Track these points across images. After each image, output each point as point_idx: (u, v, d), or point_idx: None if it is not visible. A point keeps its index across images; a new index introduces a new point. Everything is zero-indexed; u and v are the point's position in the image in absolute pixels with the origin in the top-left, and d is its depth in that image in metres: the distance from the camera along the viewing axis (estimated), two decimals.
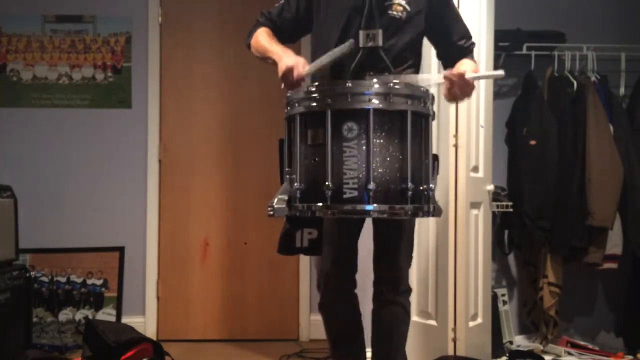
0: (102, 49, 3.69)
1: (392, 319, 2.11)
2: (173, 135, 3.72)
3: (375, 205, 1.60)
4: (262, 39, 2.05)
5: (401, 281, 2.10)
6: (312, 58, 2.07)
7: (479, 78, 1.94)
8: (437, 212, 1.74)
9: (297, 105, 1.71)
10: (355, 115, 1.63)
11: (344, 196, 1.61)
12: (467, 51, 2.08)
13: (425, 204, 1.70)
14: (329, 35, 2.00)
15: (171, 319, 3.69)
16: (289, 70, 1.82)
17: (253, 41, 2.09)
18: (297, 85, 1.82)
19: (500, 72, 1.83)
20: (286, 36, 2.13)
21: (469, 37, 2.12)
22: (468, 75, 1.81)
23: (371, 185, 1.59)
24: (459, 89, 1.83)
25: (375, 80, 1.68)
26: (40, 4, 3.68)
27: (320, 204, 1.62)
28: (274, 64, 1.93)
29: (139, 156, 3.68)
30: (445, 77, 1.80)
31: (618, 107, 3.42)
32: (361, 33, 1.88)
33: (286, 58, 1.87)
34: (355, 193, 1.60)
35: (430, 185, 1.72)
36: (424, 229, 2.94)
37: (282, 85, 1.87)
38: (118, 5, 3.70)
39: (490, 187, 3.07)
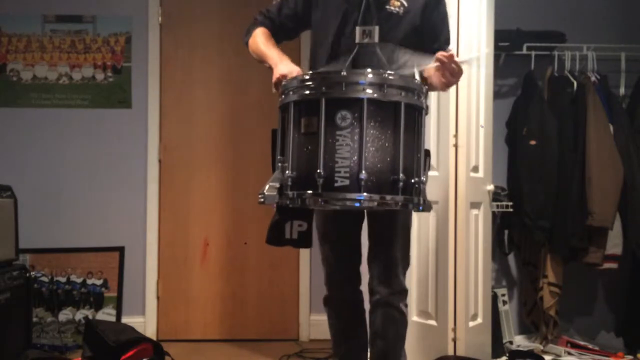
0: (102, 49, 3.69)
1: (387, 321, 2.09)
2: (173, 135, 3.72)
3: (366, 194, 1.60)
4: (260, 41, 2.06)
5: (396, 282, 2.08)
6: (311, 54, 2.09)
7: (465, 62, 1.93)
8: (427, 206, 1.73)
9: (291, 93, 1.72)
10: (349, 104, 1.63)
11: (335, 184, 1.60)
12: None
13: (416, 196, 1.69)
14: (326, 30, 2.01)
15: (171, 319, 3.69)
16: (283, 77, 1.83)
17: (251, 41, 2.10)
18: None
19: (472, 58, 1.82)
20: (285, 34, 2.15)
21: (449, 42, 2.12)
22: (457, 58, 1.79)
23: (363, 175, 1.59)
24: (450, 72, 1.80)
25: (370, 70, 1.68)
26: (40, 4, 3.68)
27: (311, 192, 1.62)
28: (271, 68, 1.94)
29: (139, 156, 3.68)
30: (438, 59, 1.77)
31: (618, 107, 3.42)
32: (357, 29, 1.89)
33: (281, 65, 1.89)
34: (347, 182, 1.60)
35: (422, 178, 1.72)
36: (424, 228, 2.94)
37: (274, 90, 1.87)
38: (118, 5, 3.70)
39: (490, 187, 3.07)
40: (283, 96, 1.76)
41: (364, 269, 2.14)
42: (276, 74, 1.87)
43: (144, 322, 3.63)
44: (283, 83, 1.77)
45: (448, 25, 2.13)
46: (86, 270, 3.59)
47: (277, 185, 1.67)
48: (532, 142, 3.35)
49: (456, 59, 1.79)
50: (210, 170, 3.74)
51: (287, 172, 1.67)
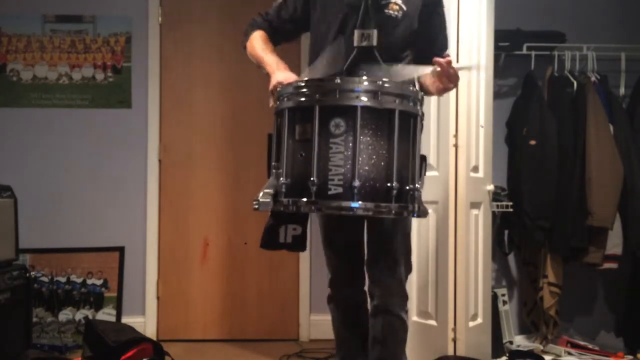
0: (102, 49, 3.69)
1: (386, 329, 2.07)
2: (173, 135, 3.72)
3: (360, 202, 1.59)
4: (257, 45, 2.07)
5: (396, 287, 2.06)
6: (310, 57, 2.09)
7: (462, 69, 1.96)
8: (422, 212, 1.72)
9: (286, 100, 1.72)
10: (343, 112, 1.62)
11: (329, 192, 1.60)
12: None
13: (411, 204, 1.69)
14: (325, 34, 2.02)
15: (171, 319, 3.69)
16: (279, 85, 1.83)
17: (248, 45, 2.11)
18: None
19: (474, 65, 1.87)
20: (283, 36, 2.16)
21: (447, 48, 2.13)
22: (455, 65, 1.83)
23: (356, 183, 1.59)
24: (448, 77, 1.84)
25: (365, 77, 1.68)
26: (40, 4, 3.68)
27: (305, 200, 1.62)
28: (268, 75, 1.95)
29: (139, 156, 3.68)
30: (436, 62, 1.80)
31: (618, 107, 3.42)
32: (356, 32, 1.90)
33: (278, 73, 1.90)
34: (340, 190, 1.60)
35: (417, 185, 1.71)
36: (424, 229, 2.94)
37: (270, 102, 1.87)
38: (118, 5, 3.70)
39: (490, 187, 3.07)
40: (278, 102, 1.76)
41: None
42: (273, 82, 1.87)
43: (144, 322, 3.63)
44: (278, 89, 1.78)
45: (446, 31, 2.14)
46: (86, 270, 3.59)
47: (272, 191, 1.67)
48: (532, 142, 3.35)
49: (454, 64, 1.81)
50: (210, 170, 3.74)
51: (281, 178, 1.67)
